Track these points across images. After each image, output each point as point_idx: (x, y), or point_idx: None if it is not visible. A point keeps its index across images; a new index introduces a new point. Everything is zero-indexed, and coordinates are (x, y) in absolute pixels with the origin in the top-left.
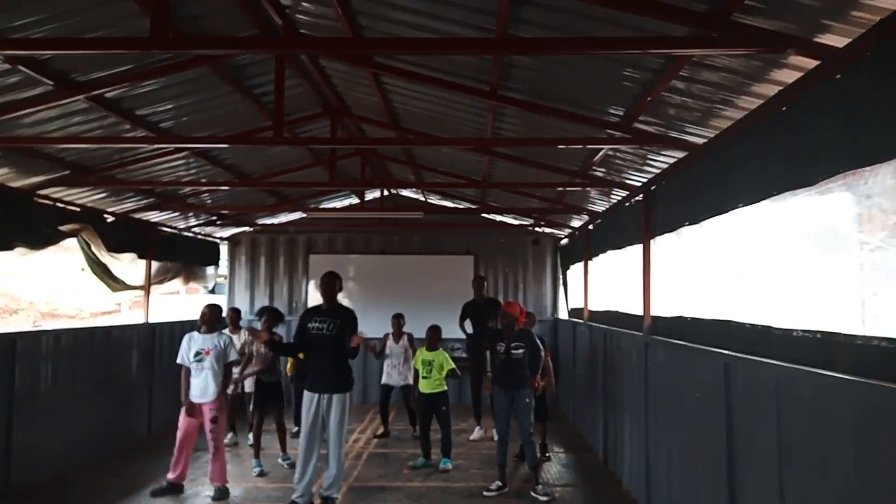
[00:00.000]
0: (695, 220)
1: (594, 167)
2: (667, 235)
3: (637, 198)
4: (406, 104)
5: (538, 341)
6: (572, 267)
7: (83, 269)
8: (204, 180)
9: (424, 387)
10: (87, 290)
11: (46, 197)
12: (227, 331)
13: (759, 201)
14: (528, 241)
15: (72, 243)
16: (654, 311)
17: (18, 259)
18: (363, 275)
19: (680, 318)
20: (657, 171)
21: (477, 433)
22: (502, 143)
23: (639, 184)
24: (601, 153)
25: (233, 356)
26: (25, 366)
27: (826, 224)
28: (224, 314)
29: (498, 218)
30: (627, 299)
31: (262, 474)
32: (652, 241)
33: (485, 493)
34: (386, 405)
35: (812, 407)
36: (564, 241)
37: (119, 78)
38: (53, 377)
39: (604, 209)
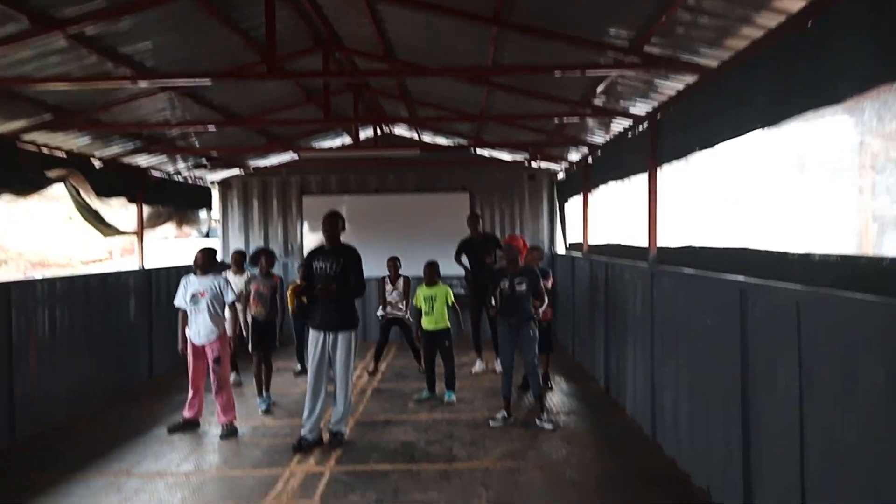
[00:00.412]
0: (708, 144)
1: (597, 96)
2: (675, 164)
3: (642, 126)
4: (401, 34)
5: (539, 273)
6: (570, 201)
7: (71, 219)
8: (191, 120)
9: (427, 324)
10: (77, 240)
11: (31, 143)
12: (230, 272)
13: (779, 122)
14: (524, 177)
15: (61, 192)
16: (660, 241)
17: (4, 209)
18: (358, 215)
19: (688, 247)
20: (664, 98)
21: (478, 366)
22: (503, 71)
23: (644, 112)
24: (606, 81)
25: (230, 297)
26: (22, 315)
27: (836, 147)
28: (218, 257)
29: (493, 154)
30: (630, 232)
31: (267, 411)
32: (658, 170)
33: (490, 424)
34: (383, 344)
35: (837, 331)
36: (561, 176)
37: (100, 13)
38: (51, 326)
39: (604, 141)
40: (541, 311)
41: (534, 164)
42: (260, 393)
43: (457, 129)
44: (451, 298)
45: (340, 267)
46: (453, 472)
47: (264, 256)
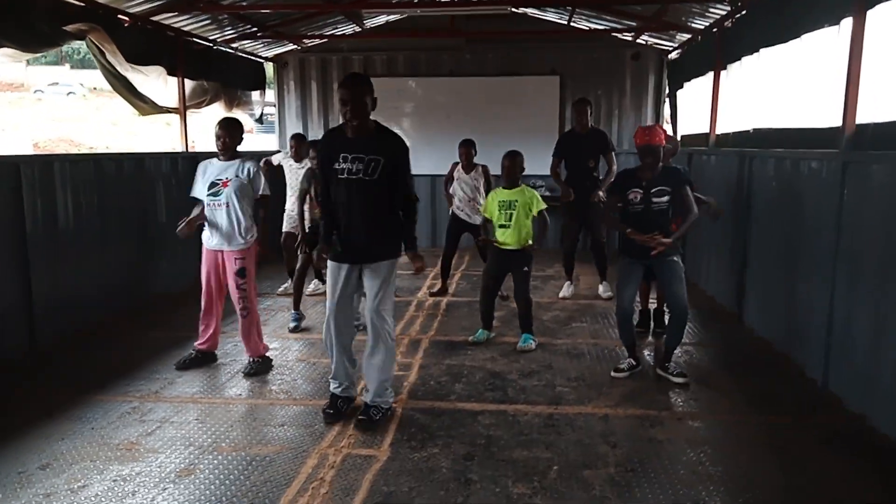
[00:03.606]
0: None
1: None
2: None
3: None
4: None
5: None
6: (685, 86)
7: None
8: None
9: (503, 237)
10: (147, 136)
11: None
12: (281, 155)
13: None
14: (627, 57)
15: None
16: (861, 117)
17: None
18: (428, 101)
19: None
20: None
21: (567, 289)
22: None
23: None
24: None
25: (263, 189)
26: (37, 201)
27: None
28: (245, 131)
29: (593, 25)
30: (794, 111)
31: (297, 328)
32: (871, 11)
33: (613, 374)
34: (451, 252)
35: None
36: (674, 54)
37: None
38: (76, 215)
39: None
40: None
41: (640, 41)
42: (296, 306)
43: None
44: (540, 204)
45: (380, 169)
46: (562, 419)
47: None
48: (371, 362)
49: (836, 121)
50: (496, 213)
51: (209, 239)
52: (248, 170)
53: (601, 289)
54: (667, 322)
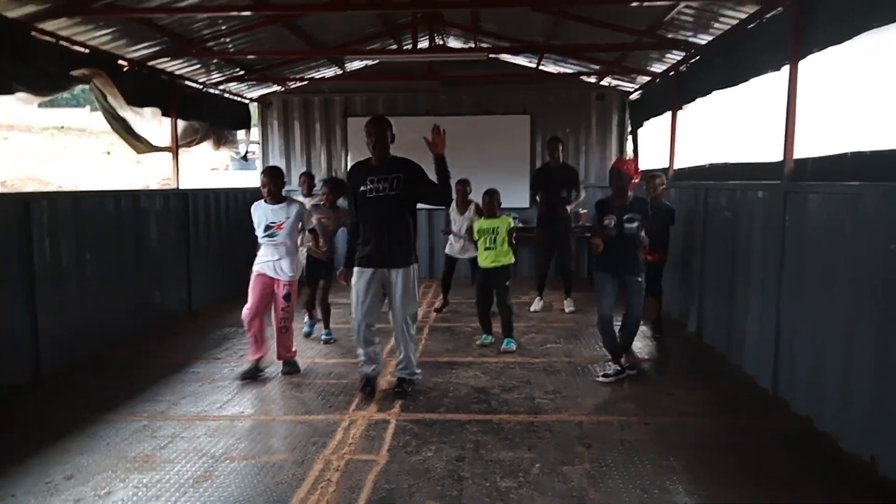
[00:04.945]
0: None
1: None
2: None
3: (774, 11)
4: None
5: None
6: (644, 124)
7: (108, 153)
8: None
9: (486, 260)
10: (115, 175)
11: (49, 34)
12: (299, 195)
13: None
14: (592, 98)
15: (99, 126)
16: (799, 152)
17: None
18: (406, 140)
19: (843, 156)
20: None
21: (538, 303)
22: None
23: None
24: None
25: (310, 223)
26: (44, 235)
27: None
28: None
29: (560, 70)
30: (743, 147)
31: (328, 342)
32: (803, 62)
33: (601, 380)
34: (449, 277)
35: None
36: (635, 95)
37: None
38: (78, 248)
39: (708, 40)
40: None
41: (604, 83)
42: (326, 325)
43: (521, 35)
44: (506, 234)
45: (400, 184)
46: (541, 426)
47: (330, 185)
48: (401, 350)
49: (778, 156)
50: (482, 238)
51: (267, 267)
52: (296, 211)
53: (566, 304)
54: (620, 327)
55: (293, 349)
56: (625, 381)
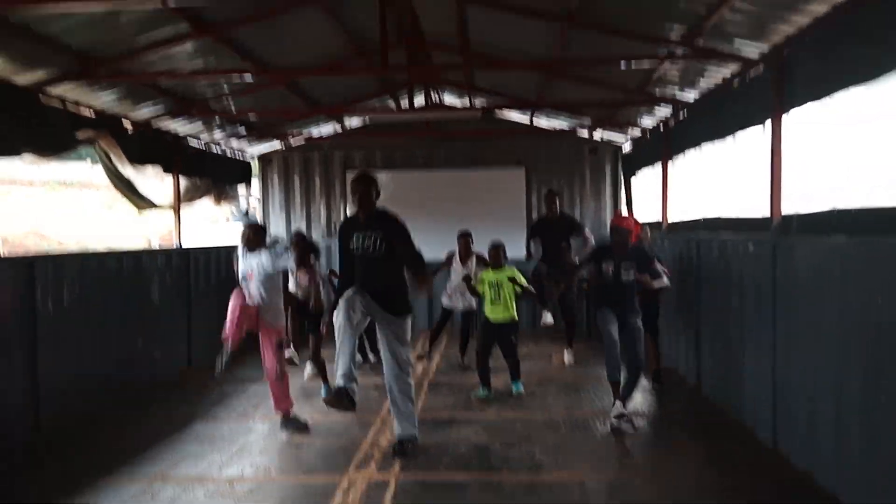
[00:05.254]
0: (875, 76)
1: (700, 35)
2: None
3: (755, 70)
4: None
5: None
6: (637, 175)
7: (111, 207)
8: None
9: (494, 313)
10: (116, 229)
11: (56, 98)
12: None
13: None
14: (585, 151)
15: (97, 179)
16: (786, 208)
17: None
18: (404, 192)
19: (830, 212)
20: (790, 31)
21: (548, 317)
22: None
23: (757, 54)
24: (727, 3)
25: (283, 263)
26: (48, 294)
27: None
28: (268, 233)
29: (553, 125)
30: (731, 201)
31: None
32: (782, 120)
33: (614, 424)
34: (441, 328)
35: None
36: (627, 148)
37: None
38: (80, 306)
39: (695, 97)
40: (658, 284)
41: (595, 136)
42: (325, 381)
43: (515, 92)
44: (523, 280)
45: (383, 243)
46: (542, 486)
47: (296, 246)
48: (397, 406)
49: (767, 210)
50: (487, 291)
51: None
52: (263, 257)
53: (566, 355)
54: (624, 378)
55: (290, 399)
56: (625, 437)
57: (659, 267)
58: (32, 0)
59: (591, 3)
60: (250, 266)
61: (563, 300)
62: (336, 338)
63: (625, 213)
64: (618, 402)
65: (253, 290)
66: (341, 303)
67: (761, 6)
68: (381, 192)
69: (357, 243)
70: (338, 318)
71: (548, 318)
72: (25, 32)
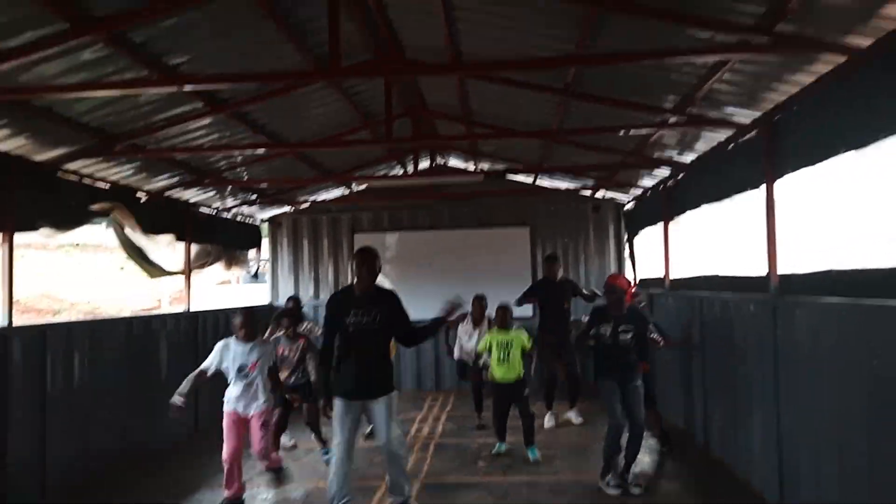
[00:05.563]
0: (864, 143)
1: (693, 104)
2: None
3: (748, 135)
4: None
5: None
6: (640, 234)
7: (122, 269)
8: (240, 144)
9: (502, 374)
10: (128, 290)
11: (73, 173)
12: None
13: None
14: (588, 209)
15: (109, 241)
16: (783, 268)
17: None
18: (411, 253)
19: (828, 272)
20: (779, 98)
21: (549, 420)
22: (591, 61)
23: (749, 120)
24: (717, 76)
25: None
26: (58, 361)
27: None
28: (266, 300)
29: (555, 185)
30: (733, 260)
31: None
32: (775, 184)
33: (616, 493)
34: (478, 383)
35: None
36: (629, 206)
37: (144, 13)
38: (90, 372)
39: (692, 159)
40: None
41: (598, 195)
42: (324, 444)
43: (517, 156)
44: (528, 343)
45: (383, 318)
46: None
47: (289, 318)
48: (390, 474)
49: (765, 270)
50: (495, 351)
51: (240, 407)
52: (270, 350)
53: (572, 415)
54: (626, 440)
55: (279, 460)
56: (634, 501)
57: (654, 334)
58: (56, 88)
59: (585, 76)
60: (251, 359)
61: (561, 356)
62: (334, 458)
63: (629, 270)
64: (612, 473)
65: (253, 385)
66: (336, 424)
67: (749, 77)
68: (381, 267)
69: (354, 319)
70: (335, 437)
71: (548, 420)
72: (47, 113)
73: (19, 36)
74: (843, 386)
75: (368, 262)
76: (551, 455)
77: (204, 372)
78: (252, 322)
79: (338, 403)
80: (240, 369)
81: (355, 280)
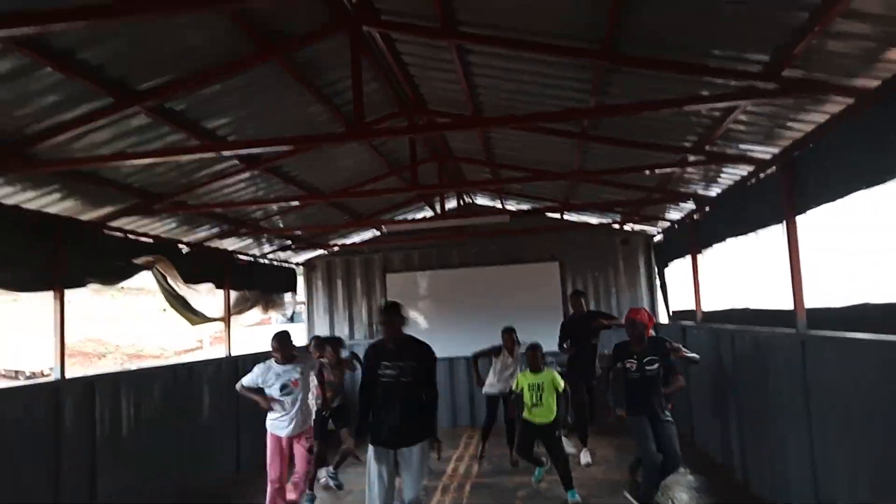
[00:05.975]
0: (880, 180)
1: (718, 137)
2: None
3: (768, 171)
4: (490, 94)
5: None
6: (670, 265)
7: (165, 310)
8: (274, 196)
9: (536, 416)
10: (170, 331)
11: (117, 229)
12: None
13: None
14: (617, 242)
15: (154, 284)
16: (810, 302)
17: (105, 304)
18: (442, 290)
19: (856, 307)
20: (796, 135)
21: (585, 457)
22: (605, 112)
23: (769, 155)
24: (731, 116)
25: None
26: (106, 410)
27: None
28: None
29: (583, 219)
30: (763, 293)
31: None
32: (796, 220)
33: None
34: (492, 422)
35: None
36: (658, 238)
37: (179, 83)
38: (136, 419)
39: (716, 194)
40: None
41: (626, 228)
42: (337, 466)
43: (543, 194)
44: (561, 384)
45: (413, 373)
46: None
47: (333, 345)
48: None
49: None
50: (526, 394)
51: (283, 429)
52: (310, 365)
53: (582, 456)
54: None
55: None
56: None
57: (685, 352)
58: (103, 158)
59: (602, 121)
60: (293, 376)
61: (592, 396)
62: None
63: (660, 302)
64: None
65: (297, 403)
66: (372, 473)
67: (763, 117)
68: (406, 318)
69: (385, 372)
70: (370, 489)
71: (584, 457)
72: (93, 177)
73: (74, 110)
74: (875, 419)
75: (391, 318)
76: (587, 494)
77: (250, 388)
78: (289, 344)
79: (371, 450)
80: (283, 387)
81: (384, 335)
